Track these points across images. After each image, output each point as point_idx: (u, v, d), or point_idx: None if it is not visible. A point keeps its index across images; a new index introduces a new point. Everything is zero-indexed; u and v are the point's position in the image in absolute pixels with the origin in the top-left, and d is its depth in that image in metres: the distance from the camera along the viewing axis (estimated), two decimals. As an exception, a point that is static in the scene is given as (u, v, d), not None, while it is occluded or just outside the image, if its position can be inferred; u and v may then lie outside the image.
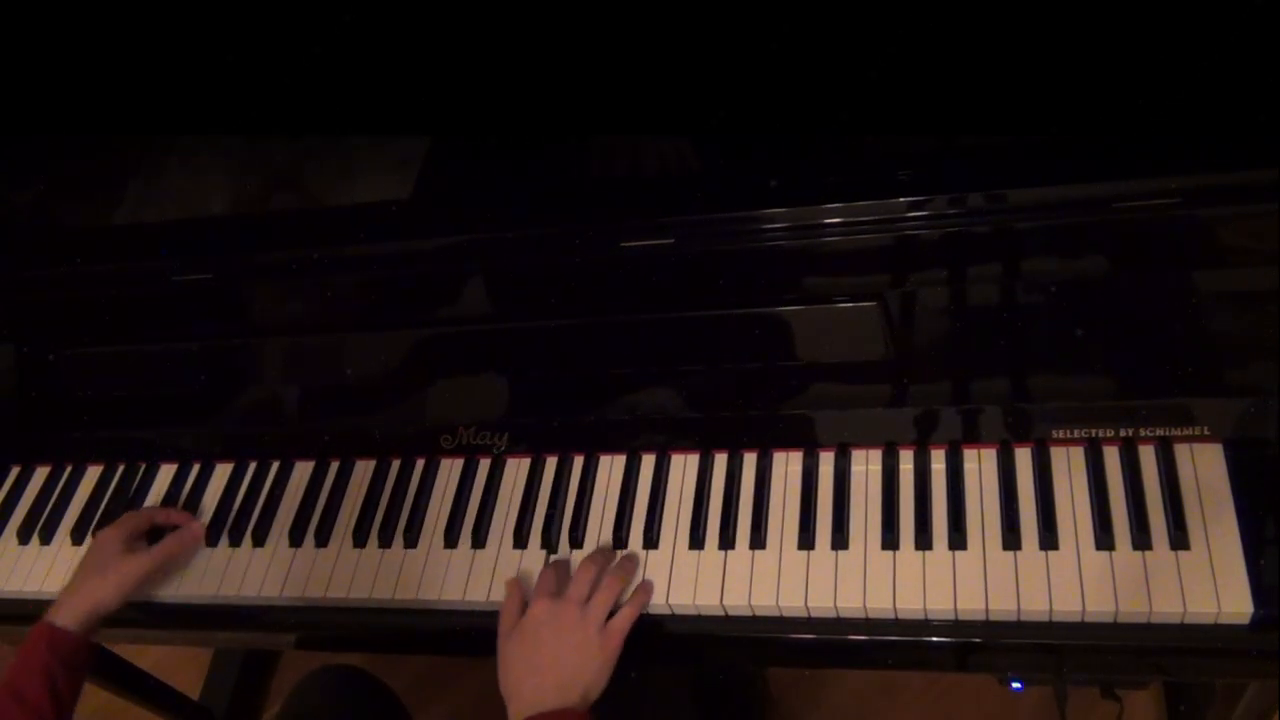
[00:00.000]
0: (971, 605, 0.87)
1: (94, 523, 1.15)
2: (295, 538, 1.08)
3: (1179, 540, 0.86)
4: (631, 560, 0.96)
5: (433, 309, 1.07)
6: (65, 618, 0.98)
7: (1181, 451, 0.90)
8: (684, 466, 1.02)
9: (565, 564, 0.98)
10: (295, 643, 1.13)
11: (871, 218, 0.91)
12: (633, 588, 0.95)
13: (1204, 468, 0.89)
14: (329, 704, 1.18)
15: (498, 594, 0.99)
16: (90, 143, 1.12)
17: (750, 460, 1.00)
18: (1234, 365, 0.89)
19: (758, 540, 0.95)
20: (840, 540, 0.93)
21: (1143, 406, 0.91)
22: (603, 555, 0.96)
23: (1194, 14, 0.79)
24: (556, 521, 1.02)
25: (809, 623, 0.92)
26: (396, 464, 1.10)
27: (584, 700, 0.86)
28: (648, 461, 1.03)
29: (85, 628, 0.99)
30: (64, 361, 1.18)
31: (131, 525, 1.07)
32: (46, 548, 1.16)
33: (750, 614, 0.93)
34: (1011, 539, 0.89)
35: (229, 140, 1.08)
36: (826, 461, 0.98)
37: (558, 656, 0.88)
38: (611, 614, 0.91)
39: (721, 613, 0.93)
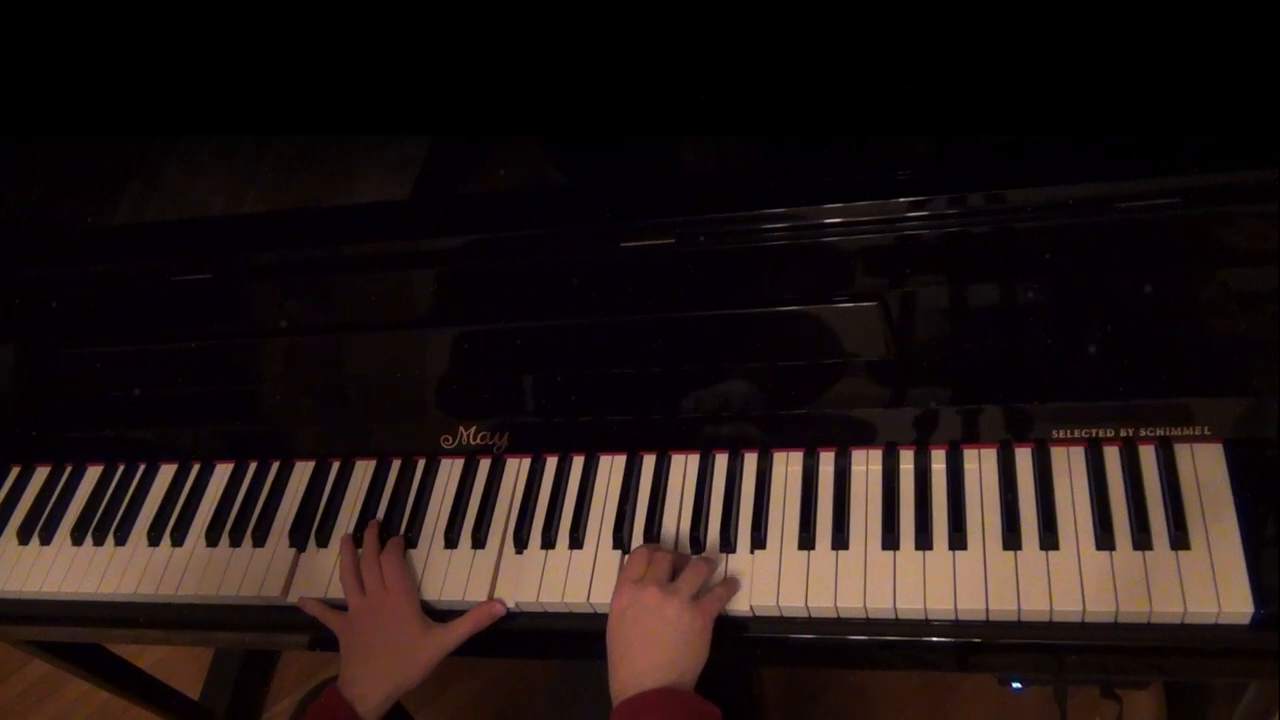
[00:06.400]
0: (972, 605, 0.87)
1: (95, 523, 1.15)
2: (296, 539, 1.08)
3: (1179, 540, 0.86)
4: (714, 559, 0.96)
5: (433, 309, 1.07)
6: (371, 707, 0.94)
7: (1181, 451, 0.90)
8: (684, 466, 1.02)
9: (646, 551, 0.95)
10: (296, 643, 1.13)
11: (871, 218, 0.91)
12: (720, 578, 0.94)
13: (1204, 468, 0.89)
14: None
15: (498, 595, 0.99)
16: (90, 143, 1.12)
17: (750, 460, 1.00)
18: (1234, 365, 0.89)
19: (758, 540, 0.95)
20: (840, 540, 0.93)
21: (1143, 406, 0.91)
22: (675, 551, 0.95)
23: (1194, 14, 0.79)
24: (556, 522, 1.02)
25: (809, 623, 0.92)
26: (397, 464, 1.10)
27: (682, 677, 0.85)
28: (648, 462, 1.03)
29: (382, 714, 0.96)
30: (64, 361, 1.18)
31: (410, 583, 0.99)
32: (46, 548, 1.16)
33: (750, 614, 0.93)
34: (1012, 539, 0.89)
35: (229, 140, 1.08)
36: (826, 461, 0.98)
37: (646, 638, 0.86)
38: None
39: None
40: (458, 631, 0.97)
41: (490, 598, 0.99)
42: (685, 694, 0.85)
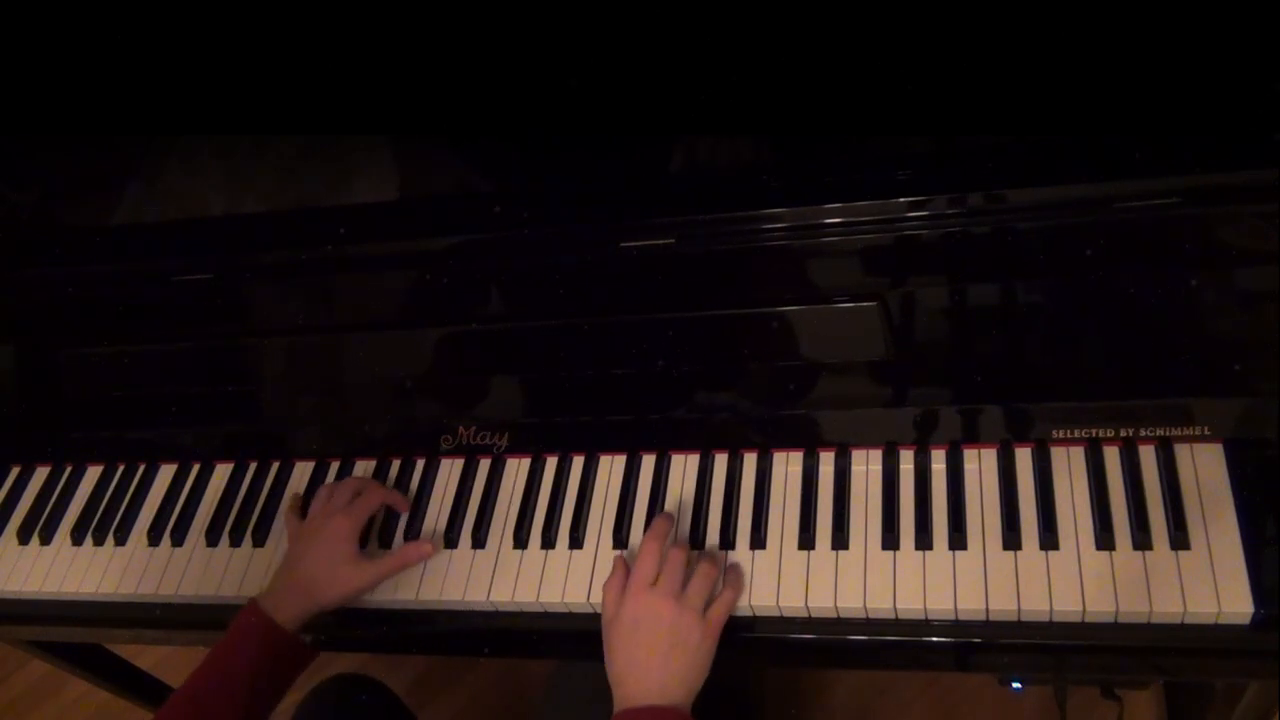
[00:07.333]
0: (971, 605, 0.87)
1: (95, 523, 1.15)
2: (295, 538, 1.08)
3: (1179, 540, 0.86)
4: (717, 554, 0.95)
5: (432, 309, 1.07)
6: (287, 618, 0.95)
7: (1181, 451, 0.90)
8: (684, 466, 1.02)
9: (657, 548, 0.93)
10: (295, 643, 1.13)
11: (871, 218, 0.91)
12: (722, 575, 0.93)
13: (1204, 468, 0.89)
14: (339, 713, 1.17)
15: (498, 594, 0.99)
16: (90, 143, 1.12)
17: (750, 460, 1.00)
18: (1234, 365, 0.89)
19: (758, 540, 0.95)
20: (840, 540, 0.93)
21: (1143, 406, 0.91)
22: (682, 543, 0.94)
23: (1193, 14, 0.79)
24: (556, 522, 1.02)
25: (809, 623, 0.92)
26: (396, 464, 1.10)
27: (688, 694, 0.86)
28: (648, 461, 1.03)
29: (301, 628, 0.97)
30: (65, 361, 1.18)
31: (365, 516, 1.02)
32: (46, 548, 1.16)
33: (750, 614, 0.93)
34: (1011, 539, 0.89)
35: (229, 140, 1.08)
36: (826, 461, 0.98)
37: (656, 652, 0.87)
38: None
39: (721, 613, 0.93)
40: (385, 566, 1.00)
41: (489, 598, 0.99)
42: (683, 714, 0.85)
